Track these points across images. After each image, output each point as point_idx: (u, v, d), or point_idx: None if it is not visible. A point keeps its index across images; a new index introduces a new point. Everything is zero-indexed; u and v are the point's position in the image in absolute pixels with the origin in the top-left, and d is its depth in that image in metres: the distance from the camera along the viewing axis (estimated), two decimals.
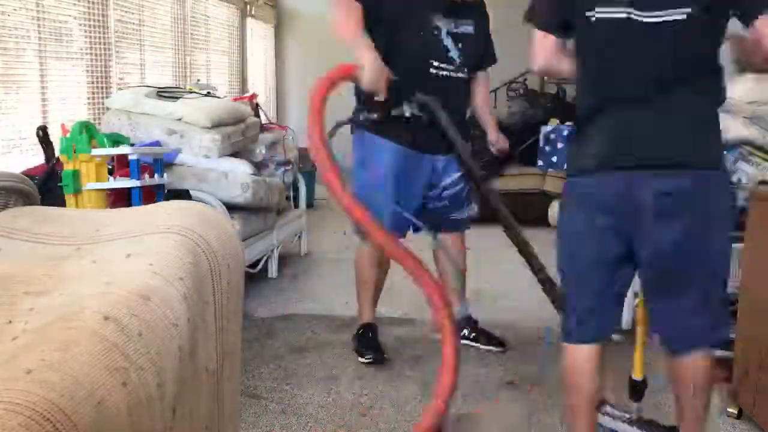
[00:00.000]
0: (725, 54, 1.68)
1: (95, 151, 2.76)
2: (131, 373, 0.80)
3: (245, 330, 3.10)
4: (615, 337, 2.17)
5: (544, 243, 5.45)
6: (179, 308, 0.97)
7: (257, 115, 4.50)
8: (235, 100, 4.61)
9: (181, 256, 1.04)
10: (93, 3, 3.83)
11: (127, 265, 1.00)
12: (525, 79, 6.27)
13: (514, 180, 5.54)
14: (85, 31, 3.82)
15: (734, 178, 2.91)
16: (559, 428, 2.33)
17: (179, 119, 3.54)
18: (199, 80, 5.14)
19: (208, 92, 4.08)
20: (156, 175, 3.00)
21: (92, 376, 0.75)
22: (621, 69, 1.63)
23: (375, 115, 2.49)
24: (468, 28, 2.81)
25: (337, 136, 2.73)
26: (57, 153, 2.87)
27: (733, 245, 2.44)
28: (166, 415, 0.90)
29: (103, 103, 3.84)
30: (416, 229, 2.72)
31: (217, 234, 1.15)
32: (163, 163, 3.12)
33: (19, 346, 0.78)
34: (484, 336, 3.01)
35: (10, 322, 0.85)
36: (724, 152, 3.01)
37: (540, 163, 5.36)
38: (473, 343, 2.99)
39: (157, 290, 0.94)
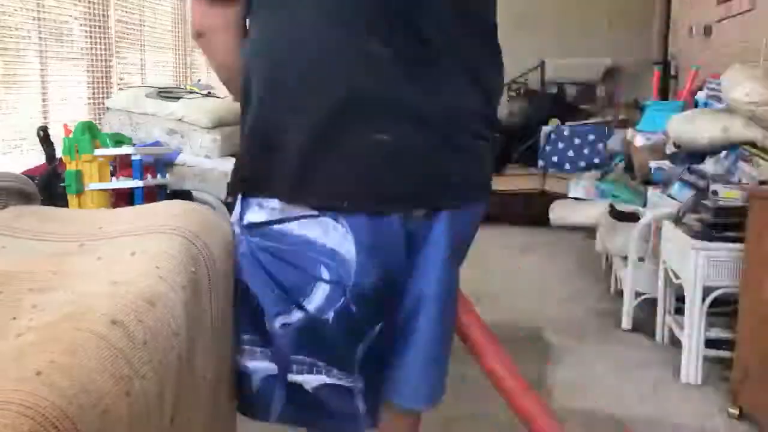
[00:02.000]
0: None
1: (98, 152, 2.76)
2: (135, 383, 0.80)
3: None
4: None
5: (543, 243, 5.48)
6: (180, 316, 0.97)
7: None
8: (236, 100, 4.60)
9: (184, 262, 1.04)
10: (93, 3, 3.82)
11: (132, 264, 1.00)
12: (525, 79, 6.27)
13: (514, 180, 5.55)
14: (86, 32, 3.81)
15: (734, 178, 2.91)
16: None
17: (180, 119, 3.54)
18: (199, 80, 5.13)
19: (209, 92, 4.08)
20: (158, 175, 3.01)
21: (99, 383, 0.74)
22: None
23: None
24: None
25: None
26: (58, 153, 2.87)
27: (734, 245, 2.46)
28: (164, 424, 0.90)
29: (103, 104, 3.84)
30: None
31: (220, 242, 1.15)
32: (164, 164, 3.12)
33: (25, 343, 0.77)
34: None
35: (14, 318, 0.85)
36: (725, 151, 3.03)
37: (540, 163, 5.37)
38: None
39: (162, 296, 0.94)
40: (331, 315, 1.08)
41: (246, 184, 1.15)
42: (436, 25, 1.06)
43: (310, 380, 1.13)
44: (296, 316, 1.10)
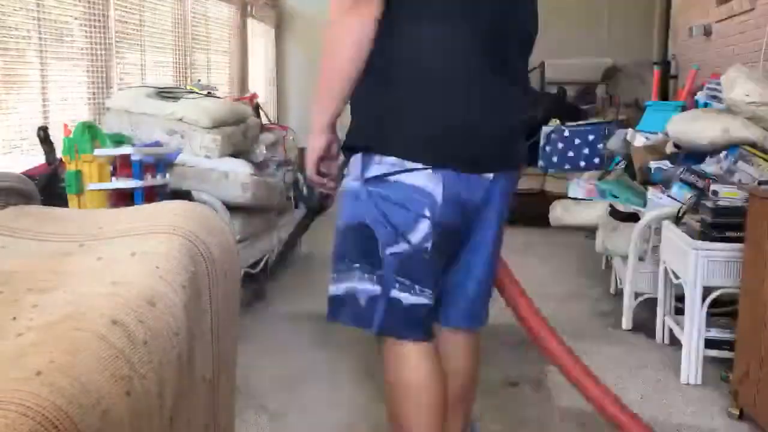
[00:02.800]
0: None
1: (98, 152, 2.76)
2: (135, 382, 0.80)
3: (245, 330, 3.10)
4: None
5: (543, 243, 5.47)
6: (180, 316, 0.97)
7: (258, 116, 4.50)
8: (236, 100, 4.61)
9: (184, 262, 1.04)
10: (93, 3, 3.82)
11: (132, 264, 1.00)
12: None
13: None
14: (86, 32, 3.81)
15: (734, 178, 2.91)
16: (560, 428, 2.33)
17: (180, 119, 3.54)
18: (199, 80, 5.13)
19: (209, 92, 4.08)
20: (158, 176, 3.01)
21: (99, 383, 0.74)
22: None
23: None
24: None
25: None
26: (58, 153, 2.88)
27: (734, 245, 2.46)
28: (164, 424, 0.90)
29: (103, 104, 3.84)
30: None
31: (219, 242, 1.16)
32: (165, 164, 3.12)
33: (25, 343, 0.77)
34: None
35: (15, 318, 0.85)
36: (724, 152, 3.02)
37: (540, 163, 5.36)
38: None
39: (162, 296, 0.94)
40: (429, 245, 1.46)
41: (369, 145, 1.49)
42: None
43: (406, 298, 1.49)
44: (403, 246, 1.47)
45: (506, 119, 1.50)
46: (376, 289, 1.50)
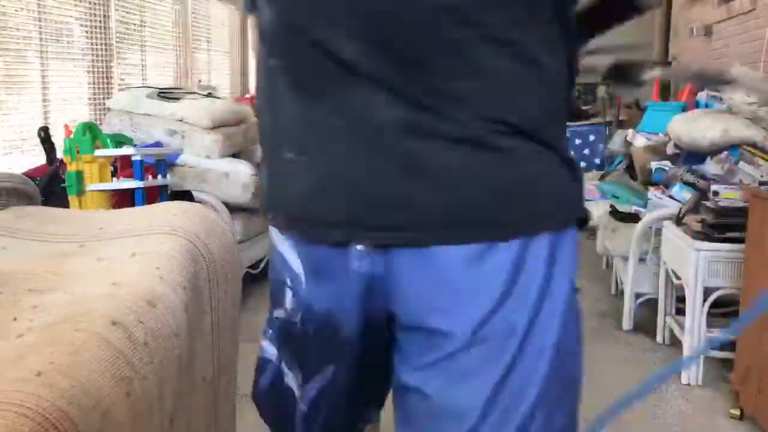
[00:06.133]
0: None
1: (98, 152, 2.76)
2: (135, 383, 0.80)
3: (245, 330, 3.09)
4: None
5: None
6: (181, 317, 0.97)
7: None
8: (236, 100, 4.61)
9: (185, 263, 1.04)
10: (94, 4, 3.82)
11: (132, 265, 1.00)
12: None
13: None
14: (86, 32, 3.82)
15: (735, 179, 2.91)
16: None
17: (180, 120, 3.54)
18: (200, 81, 5.14)
19: (210, 93, 4.08)
20: (159, 176, 3.01)
21: (99, 384, 0.74)
22: None
23: None
24: None
25: None
26: (59, 154, 2.88)
27: (734, 246, 2.45)
28: (164, 425, 0.90)
29: (104, 104, 3.84)
30: None
31: (220, 242, 1.16)
32: (166, 164, 3.13)
33: (25, 344, 0.77)
34: None
35: (15, 319, 0.85)
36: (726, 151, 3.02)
37: None
38: None
39: (162, 297, 0.94)
40: (298, 318, 0.96)
41: None
42: None
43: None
44: (279, 312, 0.99)
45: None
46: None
